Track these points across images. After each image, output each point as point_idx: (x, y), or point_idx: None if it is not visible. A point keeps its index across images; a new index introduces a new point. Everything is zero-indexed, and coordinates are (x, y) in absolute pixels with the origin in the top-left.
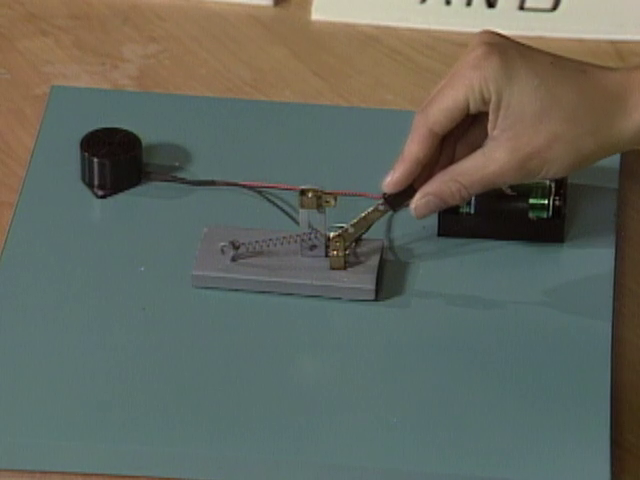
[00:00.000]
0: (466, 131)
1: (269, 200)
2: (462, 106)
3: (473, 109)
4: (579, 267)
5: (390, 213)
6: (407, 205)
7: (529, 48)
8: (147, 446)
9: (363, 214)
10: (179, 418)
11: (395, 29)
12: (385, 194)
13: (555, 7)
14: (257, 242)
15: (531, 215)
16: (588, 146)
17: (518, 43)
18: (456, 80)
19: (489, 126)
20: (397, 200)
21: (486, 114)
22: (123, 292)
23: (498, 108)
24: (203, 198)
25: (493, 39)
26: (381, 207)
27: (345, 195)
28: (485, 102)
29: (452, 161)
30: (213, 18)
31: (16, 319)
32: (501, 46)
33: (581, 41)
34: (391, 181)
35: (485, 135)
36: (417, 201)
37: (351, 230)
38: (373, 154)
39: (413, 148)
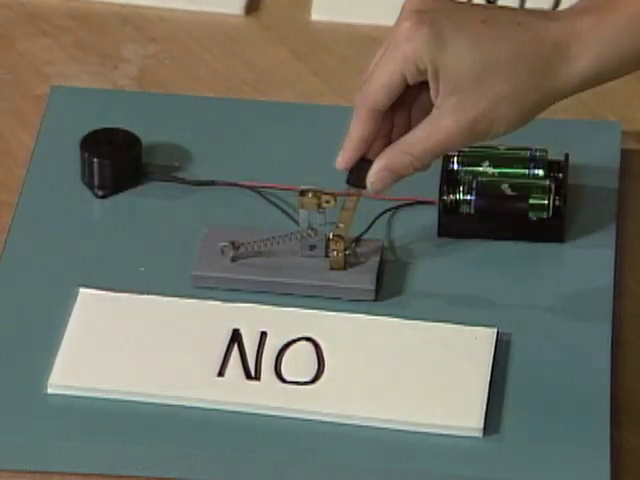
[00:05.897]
0: (418, 95)
1: (269, 200)
2: (399, 81)
3: (412, 81)
4: (579, 267)
5: (392, 211)
6: None
7: (460, 8)
8: (147, 446)
9: (342, 206)
10: (179, 418)
11: None
12: (348, 178)
13: (556, 7)
14: (257, 242)
15: (531, 215)
16: (532, 100)
17: (448, 4)
18: (390, 54)
19: (432, 94)
20: (360, 178)
21: None
22: (123, 292)
23: (437, 77)
24: (203, 198)
25: (422, 5)
26: (351, 191)
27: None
28: (422, 73)
29: (409, 124)
30: (213, 18)
31: (16, 319)
32: (430, 13)
33: None
34: (342, 160)
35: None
36: (373, 176)
37: (341, 225)
38: None
39: (357, 127)
